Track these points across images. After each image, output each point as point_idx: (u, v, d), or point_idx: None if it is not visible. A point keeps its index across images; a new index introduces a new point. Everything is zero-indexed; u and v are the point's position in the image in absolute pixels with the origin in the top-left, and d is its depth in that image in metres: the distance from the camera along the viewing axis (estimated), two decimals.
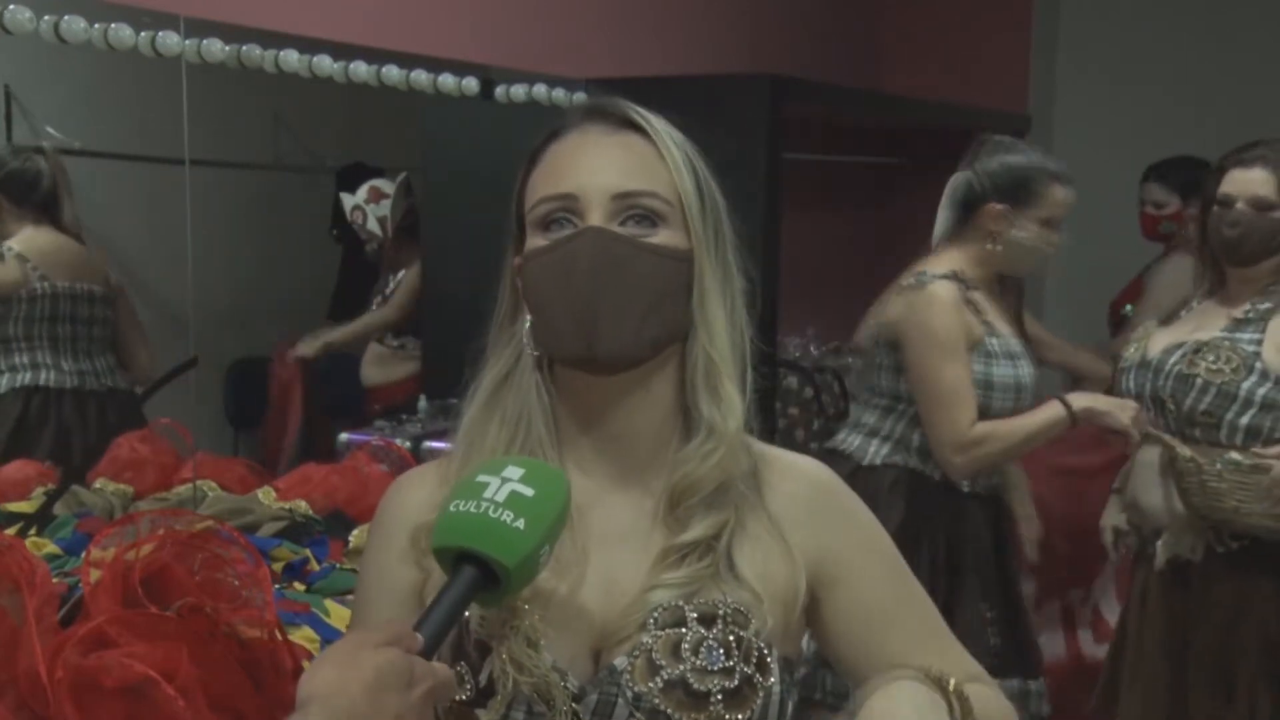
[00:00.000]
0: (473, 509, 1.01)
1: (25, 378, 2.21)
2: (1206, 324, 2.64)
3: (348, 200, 2.86)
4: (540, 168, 1.20)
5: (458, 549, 1.00)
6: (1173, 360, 2.61)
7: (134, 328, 2.36)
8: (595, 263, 1.13)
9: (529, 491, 1.02)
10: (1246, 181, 2.58)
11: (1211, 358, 2.55)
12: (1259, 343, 2.55)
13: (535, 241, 1.17)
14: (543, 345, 1.19)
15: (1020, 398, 2.61)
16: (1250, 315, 2.59)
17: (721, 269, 1.20)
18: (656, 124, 1.20)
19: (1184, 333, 2.66)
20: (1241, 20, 4.54)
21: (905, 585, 1.25)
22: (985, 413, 2.58)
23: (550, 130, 1.21)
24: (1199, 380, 2.55)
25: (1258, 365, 2.52)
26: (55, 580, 1.55)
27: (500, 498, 1.01)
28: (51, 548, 1.90)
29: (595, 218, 1.15)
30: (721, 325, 1.19)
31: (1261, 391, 2.51)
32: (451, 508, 1.02)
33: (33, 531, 1.95)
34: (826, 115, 3.76)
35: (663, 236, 1.17)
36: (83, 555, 1.57)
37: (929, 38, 4.82)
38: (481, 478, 1.03)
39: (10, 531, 1.87)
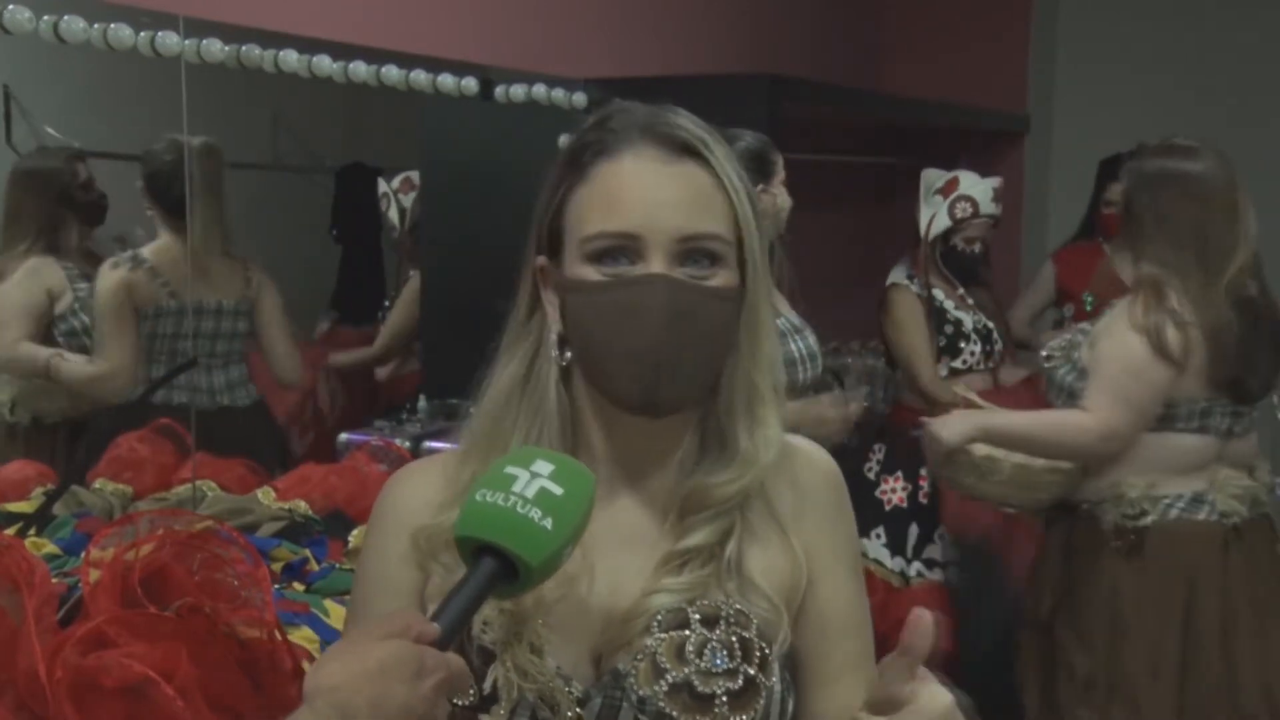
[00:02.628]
0: (500, 502, 0.99)
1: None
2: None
3: (383, 185, 2.89)
4: (591, 188, 1.13)
5: (482, 542, 0.98)
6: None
7: (274, 325, 2.30)
8: (668, 315, 1.09)
9: (558, 490, 1.00)
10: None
11: (1055, 345, 2.77)
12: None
13: (585, 271, 1.12)
14: (590, 381, 1.16)
15: (815, 365, 2.65)
16: (1108, 312, 2.73)
17: (770, 296, 1.18)
18: (717, 150, 1.14)
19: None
20: (1241, 20, 4.54)
21: (861, 600, 1.24)
22: (792, 388, 2.56)
23: (599, 143, 1.14)
24: (1044, 366, 2.79)
25: (1075, 355, 2.68)
26: (54, 580, 1.55)
27: (529, 494, 0.99)
28: (51, 548, 1.90)
29: (658, 261, 1.10)
30: (770, 354, 1.17)
31: (1069, 379, 2.66)
32: (478, 497, 1.00)
33: (32, 531, 1.95)
34: (826, 115, 3.76)
35: (721, 277, 1.13)
36: (82, 555, 1.57)
37: (929, 38, 4.82)
38: (510, 469, 1.01)
39: (10, 531, 1.86)
